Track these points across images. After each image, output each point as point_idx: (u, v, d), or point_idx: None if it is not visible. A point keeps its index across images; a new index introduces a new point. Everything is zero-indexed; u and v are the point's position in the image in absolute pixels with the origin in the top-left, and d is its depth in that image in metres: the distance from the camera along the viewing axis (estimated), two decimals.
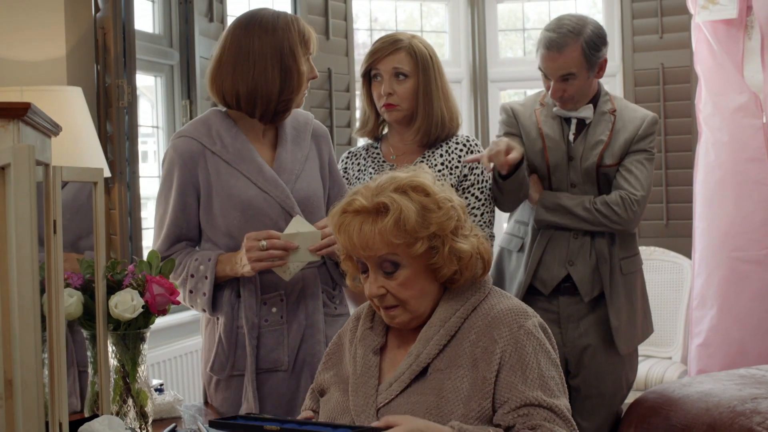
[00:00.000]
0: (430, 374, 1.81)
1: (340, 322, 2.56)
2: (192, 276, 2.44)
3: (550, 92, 3.01)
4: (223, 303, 2.48)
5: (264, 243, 2.35)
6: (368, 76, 2.86)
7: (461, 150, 2.85)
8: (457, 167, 2.83)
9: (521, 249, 3.12)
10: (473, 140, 2.90)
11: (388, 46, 2.80)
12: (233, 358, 2.49)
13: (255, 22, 2.47)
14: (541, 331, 1.82)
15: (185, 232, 2.51)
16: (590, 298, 3.04)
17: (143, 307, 2.11)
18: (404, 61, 2.78)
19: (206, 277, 2.42)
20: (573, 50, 2.93)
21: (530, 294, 3.08)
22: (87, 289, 2.13)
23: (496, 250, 3.17)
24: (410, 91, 2.79)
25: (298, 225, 2.40)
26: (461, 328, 1.84)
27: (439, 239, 1.80)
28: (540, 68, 3.02)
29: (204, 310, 2.48)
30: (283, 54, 2.44)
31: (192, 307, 2.51)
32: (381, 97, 2.81)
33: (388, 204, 1.77)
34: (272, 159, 2.53)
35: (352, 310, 2.65)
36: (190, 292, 2.46)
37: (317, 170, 2.59)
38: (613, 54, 5.19)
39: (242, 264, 2.39)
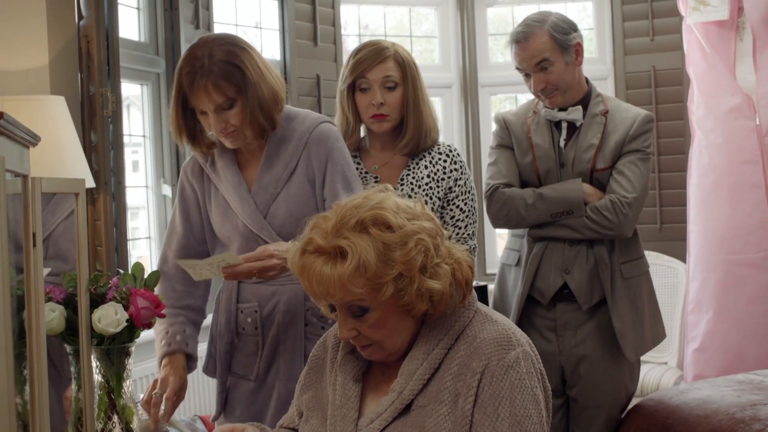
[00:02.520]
0: (413, 410, 1.71)
1: None
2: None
3: (533, 88, 2.98)
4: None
5: (158, 392, 2.38)
6: (351, 87, 2.78)
7: (445, 161, 2.80)
8: (443, 179, 2.78)
9: (518, 262, 3.07)
10: (455, 150, 2.86)
11: (375, 55, 2.73)
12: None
13: None
14: (526, 363, 1.70)
15: (193, 243, 2.58)
16: (589, 306, 2.98)
17: (127, 321, 2.07)
18: (393, 69, 2.73)
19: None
20: (540, 35, 2.93)
21: (529, 303, 3.03)
22: (69, 303, 2.08)
23: (491, 262, 3.12)
24: (399, 100, 2.74)
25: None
26: (444, 359, 1.73)
27: (407, 279, 1.66)
28: (517, 68, 3.01)
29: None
30: (173, 100, 2.42)
31: None
32: (369, 108, 2.74)
33: (345, 249, 1.65)
34: (254, 177, 2.50)
35: None
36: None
37: (305, 186, 2.48)
38: (604, 57, 5.17)
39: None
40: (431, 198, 2.75)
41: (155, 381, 2.41)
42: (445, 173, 2.79)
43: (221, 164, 2.50)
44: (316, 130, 2.49)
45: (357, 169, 2.81)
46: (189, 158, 2.59)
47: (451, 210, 2.78)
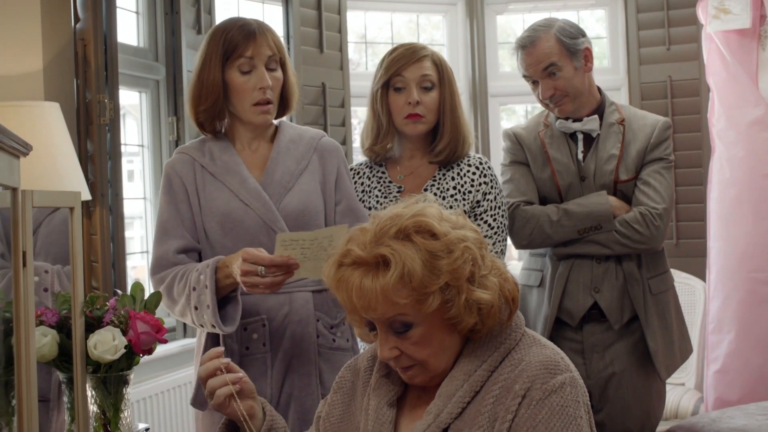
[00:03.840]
0: None
1: (339, 358, 2.39)
2: (194, 289, 2.26)
3: (540, 96, 2.90)
4: (236, 316, 2.28)
5: (262, 269, 2.14)
6: (385, 88, 2.69)
7: (474, 173, 2.69)
8: (470, 192, 2.67)
9: (541, 283, 2.96)
10: (486, 162, 2.75)
11: (412, 53, 2.67)
12: None
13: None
14: (573, 390, 1.58)
15: (189, 238, 2.40)
16: (620, 325, 2.88)
17: (126, 347, 1.95)
18: (430, 69, 2.67)
19: (206, 287, 2.23)
20: (547, 40, 2.87)
21: (554, 325, 2.91)
22: (63, 327, 1.97)
23: None
24: (436, 102, 2.67)
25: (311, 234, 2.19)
26: (487, 381, 1.61)
27: (454, 289, 1.56)
28: (524, 75, 2.94)
29: (213, 327, 2.25)
30: (203, 63, 2.41)
31: (202, 327, 2.30)
32: (404, 108, 2.66)
33: (388, 257, 1.54)
34: (262, 172, 2.43)
35: (362, 344, 2.47)
36: (196, 308, 2.26)
37: (317, 185, 2.44)
38: (619, 67, 5.06)
39: (238, 277, 2.20)
40: None
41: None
42: (473, 186, 2.67)
43: (225, 158, 2.42)
44: (325, 139, 2.53)
45: (381, 178, 2.73)
46: (173, 156, 2.49)
47: (478, 225, 2.64)
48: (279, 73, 2.43)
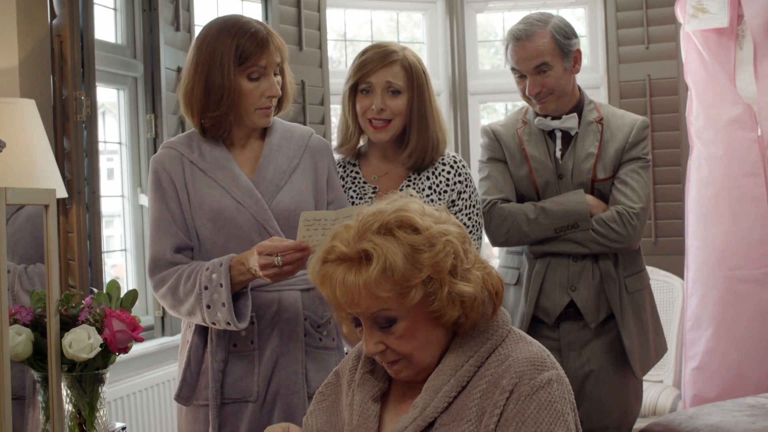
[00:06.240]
0: (436, 429, 1.61)
1: (325, 357, 2.39)
2: (206, 288, 2.25)
3: (527, 91, 2.86)
4: (247, 312, 2.28)
5: (279, 260, 2.16)
6: (354, 89, 2.65)
7: (449, 173, 2.67)
8: (445, 191, 2.64)
9: (518, 281, 2.96)
10: (460, 160, 2.72)
11: (382, 57, 2.60)
12: (199, 385, 2.35)
13: (206, 29, 2.40)
14: (560, 386, 1.60)
15: (183, 235, 2.37)
16: (596, 323, 2.87)
17: (102, 345, 1.93)
18: (398, 75, 2.59)
19: (221, 285, 2.23)
20: (543, 36, 2.83)
21: (531, 323, 2.91)
22: (37, 326, 1.96)
23: None
24: (403, 107, 2.60)
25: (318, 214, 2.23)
26: (473, 376, 1.62)
27: (436, 282, 1.58)
28: (513, 67, 2.90)
29: (229, 324, 2.25)
30: (211, 66, 2.34)
31: (215, 325, 2.28)
32: (368, 112, 2.61)
33: (370, 252, 1.56)
34: (253, 170, 2.41)
35: (346, 347, 2.47)
36: (208, 307, 2.25)
37: (309, 183, 2.44)
38: (598, 65, 5.07)
39: (258, 271, 2.21)
40: None
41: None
42: (448, 185, 2.64)
43: (215, 154, 2.40)
44: (315, 137, 2.53)
45: (355, 178, 2.70)
46: (160, 151, 2.44)
47: None
48: (280, 78, 2.42)
